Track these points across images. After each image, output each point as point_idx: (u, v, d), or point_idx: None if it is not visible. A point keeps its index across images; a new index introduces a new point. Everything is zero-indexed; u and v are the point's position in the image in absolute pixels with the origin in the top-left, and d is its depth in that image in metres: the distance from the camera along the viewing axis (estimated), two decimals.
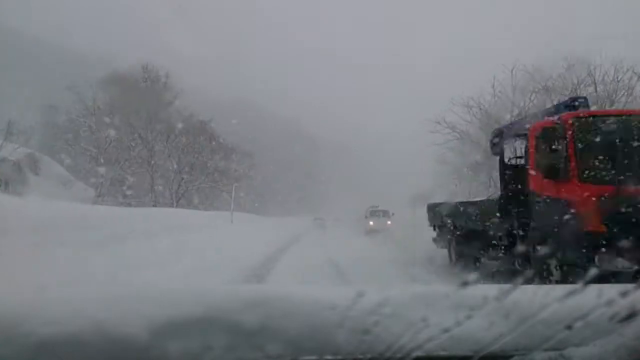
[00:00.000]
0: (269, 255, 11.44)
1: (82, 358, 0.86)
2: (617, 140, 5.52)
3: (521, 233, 6.74)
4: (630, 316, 0.94)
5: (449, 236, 9.92)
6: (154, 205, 24.16)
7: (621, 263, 4.89)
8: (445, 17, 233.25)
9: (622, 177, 5.19)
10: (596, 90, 20.73)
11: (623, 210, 5.02)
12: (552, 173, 5.74)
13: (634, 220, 4.92)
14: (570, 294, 0.96)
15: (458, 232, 9.41)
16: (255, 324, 0.91)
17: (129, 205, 21.70)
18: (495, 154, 8.74)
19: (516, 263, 6.90)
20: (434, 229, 11.25)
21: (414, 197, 21.89)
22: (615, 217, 5.07)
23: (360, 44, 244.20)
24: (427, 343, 0.90)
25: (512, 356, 0.95)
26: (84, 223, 8.42)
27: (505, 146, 7.93)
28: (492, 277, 7.09)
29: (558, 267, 5.77)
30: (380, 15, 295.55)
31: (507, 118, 24.86)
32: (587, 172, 5.50)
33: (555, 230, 5.72)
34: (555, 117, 6.19)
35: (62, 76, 25.15)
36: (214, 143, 30.01)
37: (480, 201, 9.39)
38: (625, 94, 21.07)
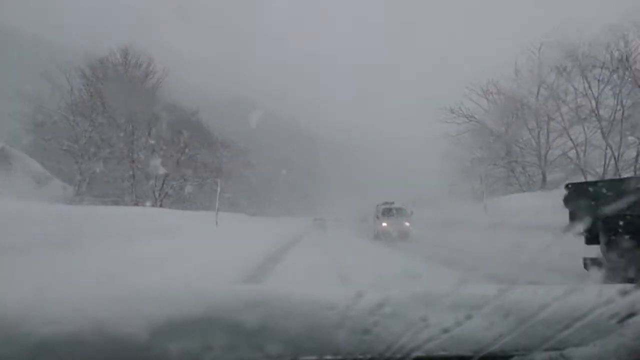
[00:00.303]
0: (247, 278, 8.51)
1: (82, 358, 0.92)
2: None
3: None
4: (630, 316, 1.02)
5: None
6: (136, 204, 23.97)
7: None
8: (444, 17, 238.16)
9: None
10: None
11: None
12: None
13: None
14: (570, 293, 1.03)
15: None
16: (255, 324, 0.97)
17: (110, 204, 21.51)
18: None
19: None
20: (589, 235, 6.05)
21: (418, 197, 20.91)
22: None
23: (360, 44, 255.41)
24: (427, 343, 0.96)
25: (512, 356, 1.00)
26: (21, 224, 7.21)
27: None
28: None
29: None
30: (380, 15, 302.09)
31: (531, 101, 24.74)
32: None
33: None
34: None
35: (60, 76, 25.14)
36: (199, 134, 29.66)
37: None
38: None
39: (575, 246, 5.70)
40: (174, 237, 12.24)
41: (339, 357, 0.97)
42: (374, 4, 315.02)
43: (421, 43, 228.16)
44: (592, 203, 5.98)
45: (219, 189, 21.71)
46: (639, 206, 5.33)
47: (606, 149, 21.64)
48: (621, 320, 1.02)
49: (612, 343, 1.00)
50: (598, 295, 1.05)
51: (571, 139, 23.38)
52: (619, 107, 21.27)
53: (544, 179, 24.90)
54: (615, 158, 21.31)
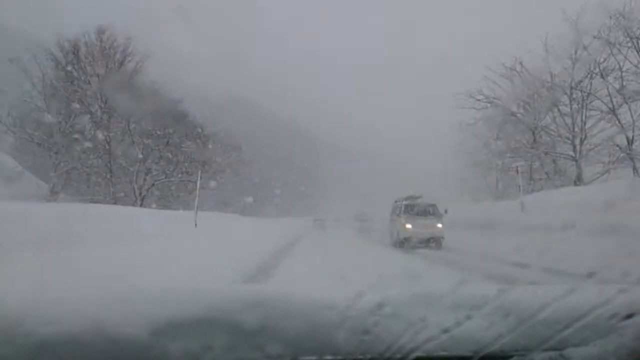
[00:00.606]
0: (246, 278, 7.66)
1: (82, 358, 0.99)
2: None
3: None
4: (630, 316, 1.11)
5: None
6: (115, 203, 23.68)
7: None
8: (444, 17, 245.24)
9: None
10: None
11: None
12: None
13: None
14: (570, 293, 1.12)
15: None
16: (255, 324, 1.04)
17: (88, 202, 21.31)
18: None
19: None
20: None
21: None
22: None
23: (360, 44, 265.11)
24: (427, 343, 1.04)
25: (511, 356, 1.08)
26: None
27: None
28: None
29: None
30: (380, 15, 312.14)
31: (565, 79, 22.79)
32: None
33: None
34: None
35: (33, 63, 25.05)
36: (184, 125, 29.28)
37: None
38: None
39: None
40: (130, 245, 9.44)
41: (339, 357, 1.03)
42: (374, 4, 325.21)
43: (421, 43, 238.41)
44: None
45: (199, 182, 19.72)
46: None
47: None
48: (621, 320, 1.09)
49: (612, 343, 1.06)
50: (598, 295, 1.12)
51: (619, 121, 21.24)
52: None
53: (579, 172, 23.05)
54: None
